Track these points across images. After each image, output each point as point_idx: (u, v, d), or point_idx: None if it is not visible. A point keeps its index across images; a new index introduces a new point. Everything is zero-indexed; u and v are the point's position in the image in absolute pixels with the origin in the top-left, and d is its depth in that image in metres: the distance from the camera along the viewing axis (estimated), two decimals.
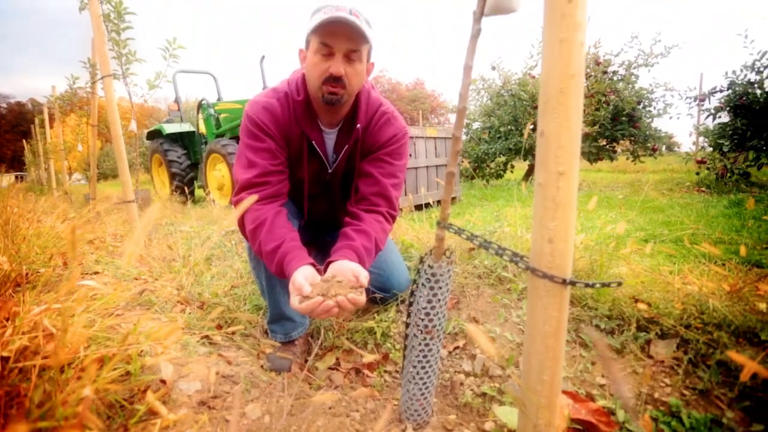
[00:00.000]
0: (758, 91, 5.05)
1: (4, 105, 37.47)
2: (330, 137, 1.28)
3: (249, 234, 1.14)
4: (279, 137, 1.20)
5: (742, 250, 1.17)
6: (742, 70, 5.25)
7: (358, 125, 1.23)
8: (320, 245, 1.62)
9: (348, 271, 0.98)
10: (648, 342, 1.03)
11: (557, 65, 0.63)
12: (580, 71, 0.63)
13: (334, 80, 1.10)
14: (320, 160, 1.27)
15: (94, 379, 0.52)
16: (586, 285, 0.69)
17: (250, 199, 0.63)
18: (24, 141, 9.97)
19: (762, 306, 1.05)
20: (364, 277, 0.96)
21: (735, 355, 0.61)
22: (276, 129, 1.19)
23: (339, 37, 1.06)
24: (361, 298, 0.92)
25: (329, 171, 1.30)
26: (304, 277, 0.95)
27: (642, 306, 1.07)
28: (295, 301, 0.92)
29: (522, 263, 0.69)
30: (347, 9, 1.06)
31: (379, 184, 1.23)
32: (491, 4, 0.76)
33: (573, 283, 0.65)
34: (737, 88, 5.21)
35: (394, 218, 1.27)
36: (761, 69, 5.08)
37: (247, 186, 1.16)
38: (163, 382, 0.79)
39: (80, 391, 0.59)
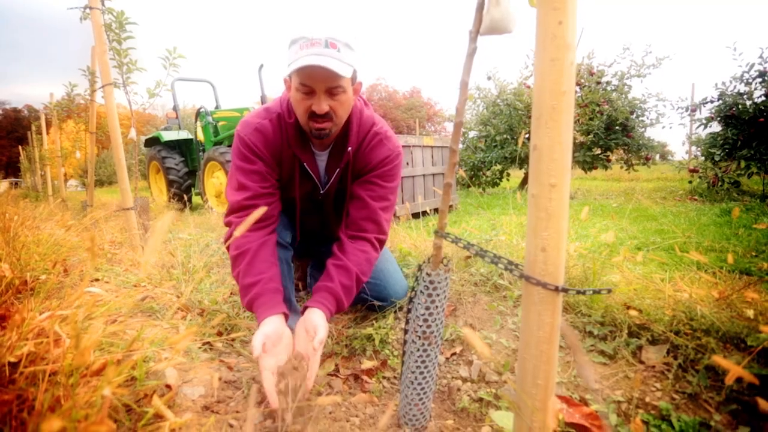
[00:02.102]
0: (747, 102, 5.16)
1: (0, 111, 37.34)
2: (321, 159, 1.28)
3: (231, 259, 1.15)
4: (270, 159, 1.19)
5: (730, 259, 1.21)
6: (731, 82, 5.37)
7: (349, 148, 1.22)
8: (315, 256, 1.64)
9: (312, 329, 1.02)
10: (639, 348, 1.06)
11: (549, 83, 0.67)
12: (570, 89, 0.67)
13: (319, 117, 1.09)
14: (312, 181, 1.28)
15: (111, 380, 0.54)
16: (578, 292, 0.72)
17: (240, 228, 0.63)
18: (20, 147, 9.94)
19: (749, 313, 1.09)
20: (319, 341, 0.99)
21: (720, 360, 0.64)
22: (267, 151, 1.18)
23: (316, 79, 1.04)
24: (310, 383, 0.95)
25: (321, 192, 1.31)
26: (262, 341, 0.95)
27: (633, 312, 1.10)
28: (266, 380, 0.92)
29: (516, 271, 0.72)
30: (323, 41, 1.01)
31: (369, 207, 1.22)
32: (487, 24, 0.80)
33: (565, 290, 0.68)
34: (727, 99, 5.32)
35: (382, 243, 1.27)
36: (750, 80, 5.20)
37: (237, 209, 1.16)
38: (169, 387, 0.81)
39: (92, 394, 0.60)
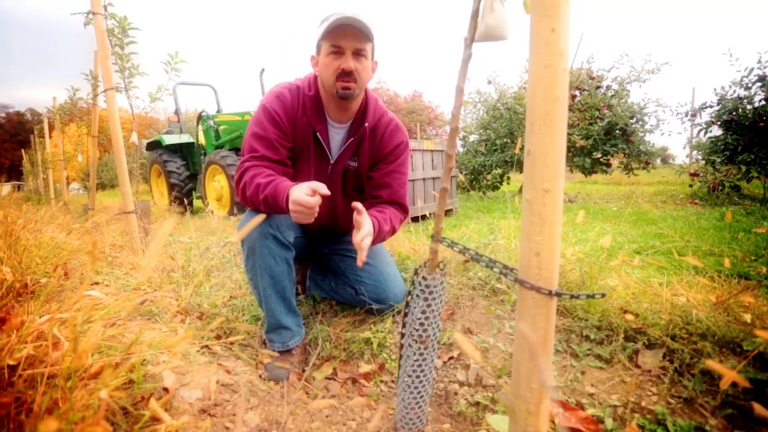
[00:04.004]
0: (747, 107, 5.16)
1: (3, 115, 37.54)
2: (338, 132, 1.39)
3: (248, 180, 1.22)
4: (286, 123, 1.30)
5: (726, 263, 1.21)
6: (731, 86, 5.37)
7: (366, 124, 1.35)
8: (316, 259, 1.64)
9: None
10: (636, 352, 1.06)
11: (542, 89, 0.68)
12: (564, 95, 0.68)
13: (346, 75, 1.22)
14: (324, 154, 1.37)
15: (108, 383, 0.55)
16: (572, 296, 0.72)
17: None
18: (22, 150, 9.99)
19: (746, 317, 1.09)
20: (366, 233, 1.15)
21: (714, 364, 0.65)
22: (284, 115, 1.30)
23: (347, 37, 1.20)
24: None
25: (331, 163, 1.38)
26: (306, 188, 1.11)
27: (630, 317, 1.10)
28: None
29: (511, 276, 0.73)
30: (352, 14, 1.18)
31: (397, 194, 1.41)
32: (482, 31, 0.81)
33: (559, 295, 0.69)
34: (727, 104, 5.33)
35: (405, 217, 1.43)
36: (749, 85, 5.21)
37: (245, 163, 1.26)
38: (166, 390, 0.81)
39: (89, 397, 0.61)
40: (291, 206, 1.09)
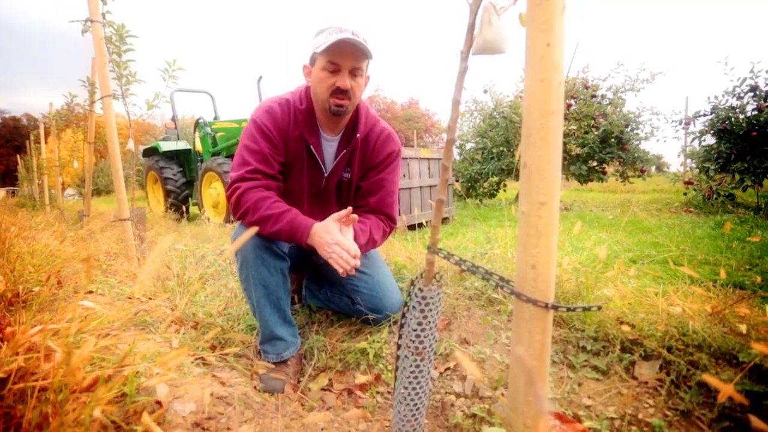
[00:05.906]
0: (740, 116, 5.23)
1: None
2: (331, 144, 1.38)
3: (252, 204, 1.20)
4: (277, 137, 1.29)
5: (722, 273, 1.22)
6: (723, 95, 5.45)
7: (358, 135, 1.35)
8: (312, 269, 1.63)
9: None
10: (632, 363, 1.06)
11: (538, 102, 0.68)
12: (559, 108, 0.68)
13: (341, 92, 1.22)
14: (318, 166, 1.36)
15: (100, 398, 0.54)
16: (568, 309, 0.72)
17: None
18: (18, 156, 9.94)
19: (742, 328, 1.09)
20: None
21: (710, 378, 0.64)
22: (275, 129, 1.29)
23: (346, 56, 1.20)
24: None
25: (325, 175, 1.38)
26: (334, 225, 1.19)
27: (626, 328, 1.10)
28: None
29: (507, 288, 0.73)
30: (349, 30, 1.18)
31: (383, 202, 1.40)
32: (480, 44, 0.82)
33: (555, 308, 0.69)
34: (720, 113, 5.39)
35: (392, 229, 1.43)
36: (741, 95, 5.28)
37: (238, 179, 1.25)
38: (159, 403, 0.80)
39: (81, 411, 0.60)
40: (330, 250, 1.14)
